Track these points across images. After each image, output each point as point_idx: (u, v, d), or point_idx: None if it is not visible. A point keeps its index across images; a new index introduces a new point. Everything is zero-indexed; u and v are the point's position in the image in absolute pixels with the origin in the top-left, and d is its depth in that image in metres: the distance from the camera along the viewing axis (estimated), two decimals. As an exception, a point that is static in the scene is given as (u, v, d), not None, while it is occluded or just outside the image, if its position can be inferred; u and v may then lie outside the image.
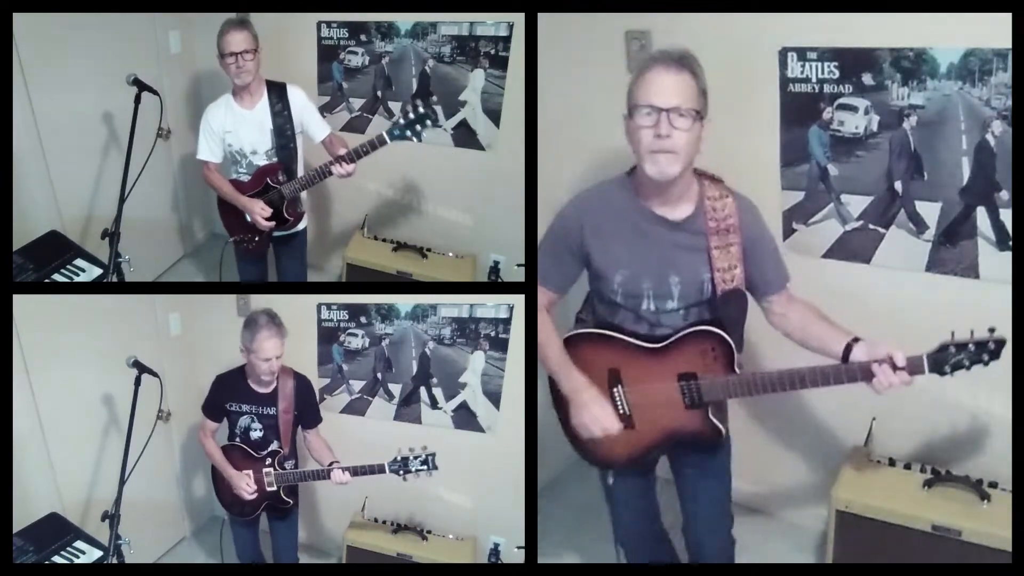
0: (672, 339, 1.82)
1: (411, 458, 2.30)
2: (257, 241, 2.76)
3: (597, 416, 1.82)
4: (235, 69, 2.51)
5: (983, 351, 1.66)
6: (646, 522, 2.16)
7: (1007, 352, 1.67)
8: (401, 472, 2.30)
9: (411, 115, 2.40)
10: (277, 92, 2.61)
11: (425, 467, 2.30)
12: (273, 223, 2.66)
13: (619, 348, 1.86)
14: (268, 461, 2.43)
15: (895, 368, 1.66)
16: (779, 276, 1.86)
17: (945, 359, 1.66)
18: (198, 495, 3.37)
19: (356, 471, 2.34)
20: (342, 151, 2.52)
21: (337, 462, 2.41)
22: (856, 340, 1.74)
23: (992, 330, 1.65)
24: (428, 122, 2.41)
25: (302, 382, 2.49)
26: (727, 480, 2.04)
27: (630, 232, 1.80)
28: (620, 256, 1.81)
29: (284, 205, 2.66)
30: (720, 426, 1.84)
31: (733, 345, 1.77)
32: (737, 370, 1.79)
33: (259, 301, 2.61)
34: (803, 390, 2.58)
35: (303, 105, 2.65)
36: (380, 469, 2.31)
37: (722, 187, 1.78)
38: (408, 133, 2.40)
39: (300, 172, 2.71)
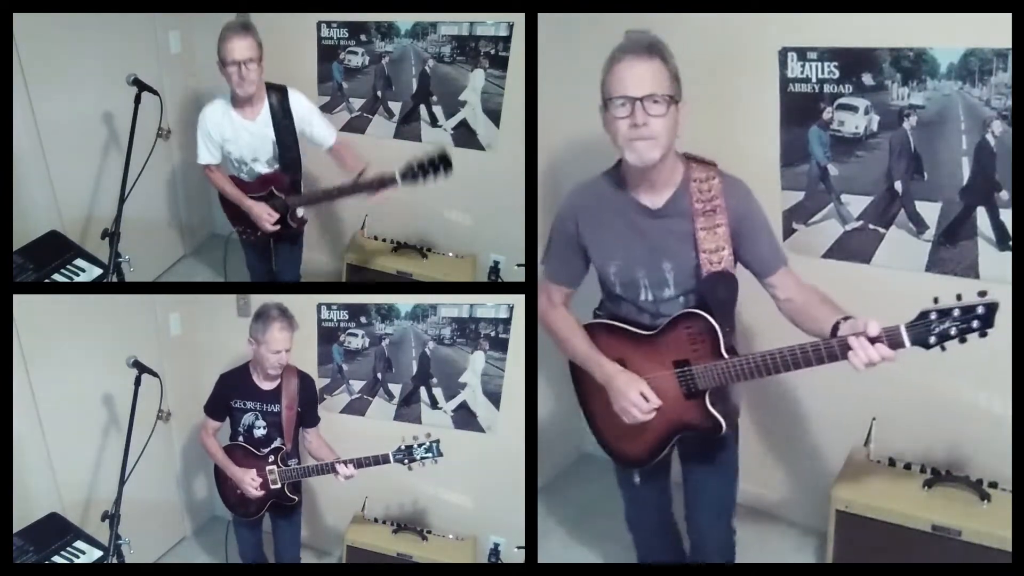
0: (663, 325, 1.82)
1: (415, 446, 2.28)
2: (259, 234, 2.75)
3: (636, 399, 1.79)
4: (237, 79, 2.41)
5: (971, 317, 1.50)
6: (657, 514, 2.17)
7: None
8: (406, 461, 2.28)
9: (426, 162, 2.41)
10: (278, 99, 2.54)
11: (430, 455, 2.28)
12: (277, 227, 2.65)
13: (623, 339, 1.87)
14: (271, 459, 2.43)
15: (872, 341, 1.54)
16: (774, 255, 1.82)
17: (927, 329, 1.52)
18: (198, 495, 3.37)
19: (360, 463, 2.33)
20: (357, 164, 2.55)
21: (336, 456, 2.41)
22: (847, 318, 1.64)
23: (983, 293, 1.50)
24: (442, 169, 2.42)
25: (306, 380, 2.49)
26: (733, 475, 2.04)
27: (619, 222, 1.81)
28: (612, 247, 1.83)
29: (288, 214, 2.66)
30: (719, 419, 1.81)
31: (717, 327, 1.75)
32: (726, 354, 1.76)
33: (259, 301, 2.61)
34: (804, 387, 2.63)
35: (306, 111, 2.60)
36: (384, 459, 2.30)
37: (712, 169, 1.78)
38: (420, 180, 2.42)
39: (301, 179, 2.70)
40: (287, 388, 2.44)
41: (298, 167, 2.66)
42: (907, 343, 1.54)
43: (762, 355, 1.70)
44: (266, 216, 2.62)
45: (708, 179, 1.76)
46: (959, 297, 1.52)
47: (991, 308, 1.49)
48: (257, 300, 2.82)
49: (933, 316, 1.52)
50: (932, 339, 1.53)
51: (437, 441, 2.29)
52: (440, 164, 2.41)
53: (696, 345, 1.78)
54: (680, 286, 1.81)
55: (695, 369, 1.79)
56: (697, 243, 1.75)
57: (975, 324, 1.51)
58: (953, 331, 1.51)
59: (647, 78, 1.65)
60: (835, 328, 1.63)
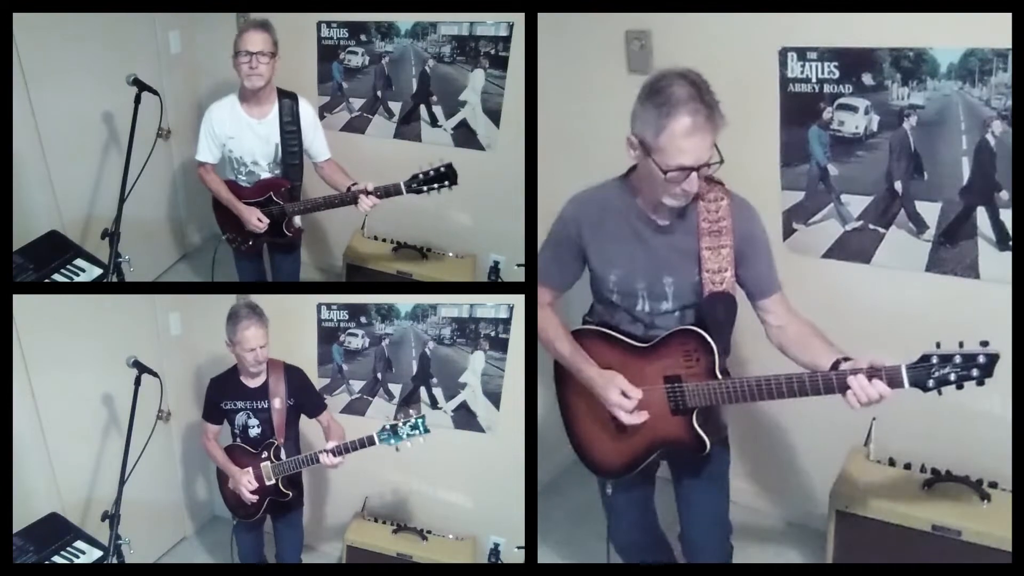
0: (658, 339, 1.81)
1: (400, 424, 2.22)
2: (250, 244, 2.75)
3: (617, 399, 1.80)
4: (247, 69, 2.43)
5: (972, 366, 1.52)
6: (642, 532, 2.16)
7: (1006, 357, 1.61)
8: (392, 441, 2.22)
9: (431, 173, 2.41)
10: (289, 105, 2.56)
11: (416, 431, 2.21)
12: (266, 227, 2.64)
13: (614, 347, 1.87)
14: (264, 455, 2.43)
15: (870, 377, 1.56)
16: (771, 280, 1.82)
17: (927, 372, 1.54)
18: (198, 495, 3.37)
19: (345, 448, 2.28)
20: (346, 180, 2.55)
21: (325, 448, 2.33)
22: (846, 359, 1.65)
23: (985, 343, 1.51)
24: (447, 183, 2.41)
25: (293, 373, 2.47)
26: (724, 489, 2.03)
27: (625, 233, 1.81)
28: (615, 256, 1.83)
29: (285, 221, 2.66)
30: (704, 438, 1.81)
31: (715, 348, 1.75)
32: (719, 375, 1.76)
33: (259, 301, 2.61)
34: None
35: (312, 122, 2.61)
36: (370, 441, 2.25)
37: (720, 189, 1.77)
38: (425, 189, 2.42)
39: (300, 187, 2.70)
40: (274, 384, 2.43)
41: (299, 175, 2.66)
42: (906, 384, 1.56)
43: (757, 380, 1.70)
44: (255, 220, 2.60)
45: (717, 199, 1.75)
46: (961, 344, 1.53)
47: (992, 359, 1.51)
48: (257, 300, 2.83)
49: (934, 360, 1.54)
50: (931, 383, 1.55)
51: (423, 417, 2.22)
52: (446, 176, 2.41)
53: (690, 363, 1.78)
54: (678, 300, 1.81)
55: (686, 387, 1.79)
56: (701, 262, 1.75)
57: (974, 372, 1.52)
58: (952, 377, 1.53)
59: (705, 146, 1.61)
60: (835, 366, 1.64)
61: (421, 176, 2.41)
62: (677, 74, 1.61)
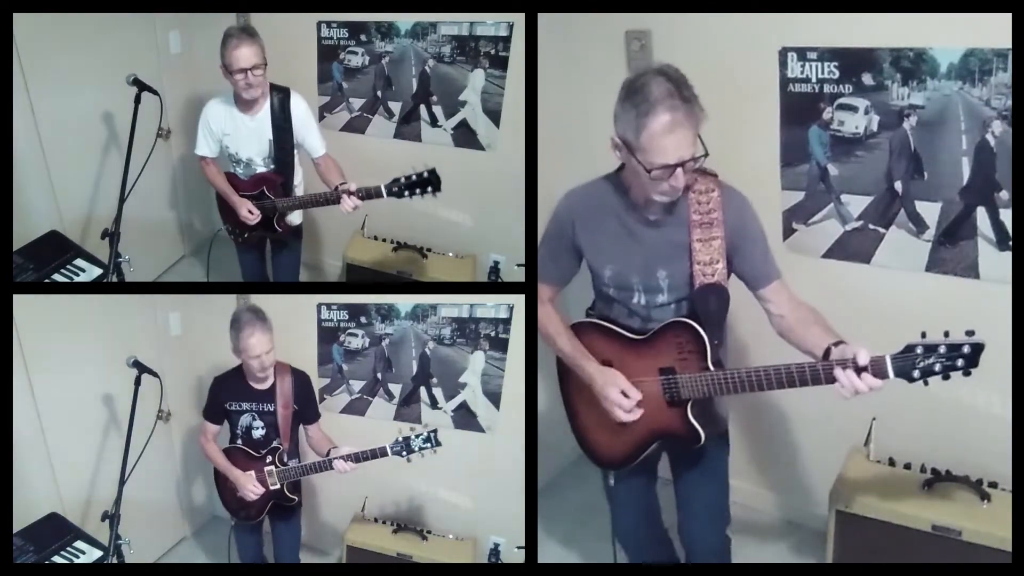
0: (653, 332, 1.82)
1: (413, 437, 2.24)
2: (246, 237, 2.75)
3: (616, 398, 1.81)
4: (243, 85, 2.42)
5: (957, 356, 1.48)
6: (645, 523, 2.17)
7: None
8: (404, 453, 2.25)
9: (414, 178, 2.34)
10: (280, 100, 2.55)
11: (429, 445, 2.24)
12: (258, 219, 2.63)
13: (612, 340, 1.88)
14: (269, 459, 2.42)
15: (859, 370, 1.53)
16: (767, 269, 1.81)
17: (912, 363, 1.51)
18: (198, 495, 3.37)
19: (358, 457, 2.30)
20: (339, 179, 2.50)
21: (336, 448, 2.37)
22: (839, 344, 1.62)
23: (970, 332, 1.48)
24: (430, 189, 2.34)
25: (300, 378, 2.47)
26: (723, 482, 2.03)
27: (616, 228, 1.82)
28: (608, 251, 1.84)
29: (276, 216, 2.66)
30: (699, 430, 1.81)
31: (706, 340, 1.75)
32: (712, 367, 1.76)
33: (259, 301, 2.61)
34: (804, 387, 2.63)
35: (304, 117, 2.59)
36: (382, 452, 2.27)
37: (712, 181, 1.77)
38: (406, 194, 2.35)
39: (298, 181, 2.69)
40: (281, 387, 2.42)
41: (291, 170, 2.65)
42: (891, 374, 1.53)
43: (747, 371, 1.70)
44: (246, 212, 2.60)
45: (708, 191, 1.75)
46: (947, 334, 1.51)
47: (977, 348, 1.48)
48: (257, 301, 2.82)
49: (919, 350, 1.51)
50: (916, 373, 1.52)
51: (435, 431, 2.26)
52: (428, 182, 2.34)
53: (683, 355, 1.79)
54: (674, 293, 1.82)
55: (680, 378, 1.80)
56: (692, 254, 1.76)
57: (960, 363, 1.50)
58: (937, 367, 1.50)
59: (688, 141, 1.60)
60: (827, 353, 1.63)
61: (403, 180, 2.35)
62: (654, 71, 1.61)
